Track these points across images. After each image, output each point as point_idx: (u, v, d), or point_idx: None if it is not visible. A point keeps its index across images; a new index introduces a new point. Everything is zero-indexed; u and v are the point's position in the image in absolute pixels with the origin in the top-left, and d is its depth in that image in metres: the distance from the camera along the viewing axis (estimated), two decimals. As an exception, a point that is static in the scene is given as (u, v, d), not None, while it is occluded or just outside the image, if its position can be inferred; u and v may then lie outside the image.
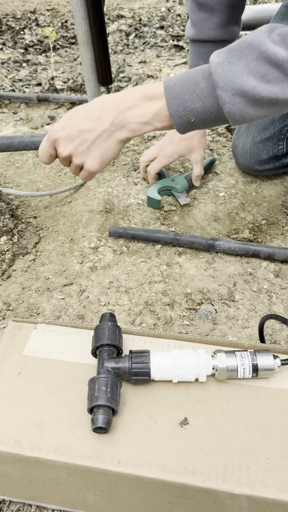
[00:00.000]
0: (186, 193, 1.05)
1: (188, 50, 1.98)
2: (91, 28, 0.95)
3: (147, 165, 1.07)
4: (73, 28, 2.28)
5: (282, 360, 0.51)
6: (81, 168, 0.71)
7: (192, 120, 0.63)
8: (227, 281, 0.85)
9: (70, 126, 0.67)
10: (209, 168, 1.14)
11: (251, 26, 2.15)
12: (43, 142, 0.70)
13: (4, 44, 2.13)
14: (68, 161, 0.70)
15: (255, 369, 0.50)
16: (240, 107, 0.60)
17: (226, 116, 0.62)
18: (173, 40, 2.12)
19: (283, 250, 0.86)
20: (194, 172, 1.05)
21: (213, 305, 0.80)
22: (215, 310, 0.79)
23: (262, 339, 0.63)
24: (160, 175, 1.10)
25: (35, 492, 0.52)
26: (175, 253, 0.91)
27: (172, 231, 0.96)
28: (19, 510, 0.55)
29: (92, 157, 0.68)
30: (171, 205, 1.03)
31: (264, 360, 0.50)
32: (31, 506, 0.55)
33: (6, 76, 1.78)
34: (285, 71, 0.57)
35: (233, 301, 0.81)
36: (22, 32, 2.23)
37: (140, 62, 1.91)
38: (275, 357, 0.50)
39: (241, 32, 2.08)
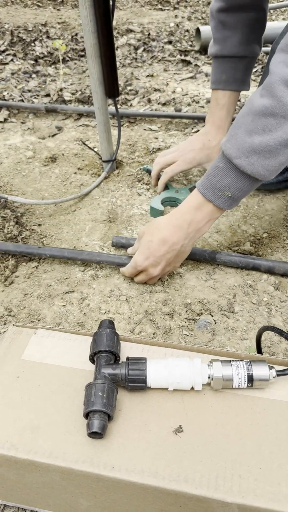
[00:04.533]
0: None
1: (195, 64, 2.02)
2: (100, 42, 0.97)
3: (161, 168, 1.10)
4: (82, 41, 2.32)
5: (277, 371, 0.51)
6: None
7: (229, 195, 0.74)
8: (227, 292, 0.85)
9: (152, 255, 0.80)
10: None
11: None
12: (131, 269, 0.84)
13: (15, 55, 2.17)
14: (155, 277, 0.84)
15: (250, 379, 0.50)
16: (259, 163, 0.68)
17: (253, 176, 0.70)
18: (180, 55, 2.15)
19: (283, 264, 0.86)
20: None
21: (212, 316, 0.81)
22: (214, 321, 0.80)
23: (259, 351, 0.64)
24: (165, 186, 1.11)
25: (29, 496, 0.52)
26: (176, 263, 0.92)
27: (174, 242, 0.97)
28: (13, 514, 0.55)
29: (177, 263, 0.84)
30: (174, 216, 1.04)
31: (260, 371, 0.50)
32: (25, 511, 0.56)
33: (15, 87, 1.81)
34: (277, 115, 0.64)
35: (232, 312, 0.82)
36: (33, 44, 2.28)
37: (148, 75, 1.94)
38: (270, 367, 0.51)
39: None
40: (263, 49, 2.05)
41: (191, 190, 1.08)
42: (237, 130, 0.70)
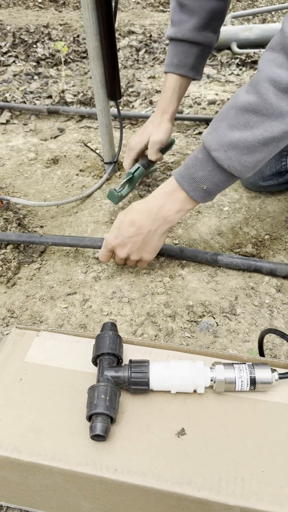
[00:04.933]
0: (130, 175, 1.06)
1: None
2: (102, 44, 0.98)
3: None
4: (84, 43, 2.33)
5: (280, 374, 0.51)
6: (136, 261, 0.86)
7: (204, 187, 0.74)
8: (229, 294, 0.85)
9: (121, 235, 0.81)
10: (167, 149, 1.16)
11: (259, 44, 2.20)
12: (102, 249, 0.85)
13: (16, 57, 2.18)
14: (124, 260, 0.86)
15: (253, 382, 0.50)
16: (236, 158, 0.68)
17: (229, 171, 0.71)
18: (182, 57, 2.15)
19: (284, 266, 0.86)
20: (149, 158, 1.09)
21: (214, 318, 0.81)
22: (216, 323, 0.80)
23: (261, 353, 0.64)
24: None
25: (32, 499, 0.52)
26: (178, 265, 0.92)
27: (176, 244, 0.97)
28: (15, 516, 0.56)
29: (145, 252, 0.83)
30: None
31: (262, 373, 0.50)
32: (27, 513, 0.56)
33: (17, 88, 1.82)
34: (260, 113, 0.65)
35: (234, 314, 0.82)
36: (34, 46, 2.29)
37: (149, 77, 1.94)
38: (273, 370, 0.51)
39: (250, 50, 2.12)
40: (263, 50, 2.05)
41: (139, 162, 1.08)
42: (219, 123, 0.70)
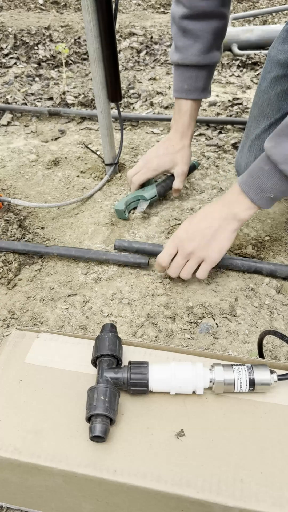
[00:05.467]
0: (147, 201, 1.07)
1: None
2: (103, 46, 0.98)
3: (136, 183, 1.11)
4: (85, 45, 2.33)
5: (279, 375, 0.51)
6: (198, 263, 0.83)
7: (271, 196, 0.78)
8: (229, 296, 0.85)
9: (191, 228, 0.83)
10: (190, 172, 1.16)
11: (260, 45, 2.20)
12: (167, 246, 0.84)
13: (18, 58, 2.18)
14: (186, 259, 0.83)
15: (252, 383, 0.50)
16: None
17: None
18: (183, 58, 2.15)
19: (285, 268, 0.87)
20: (173, 185, 1.09)
21: (214, 319, 0.81)
22: (216, 324, 0.80)
23: (261, 355, 0.64)
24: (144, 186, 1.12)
25: (32, 500, 0.52)
26: (178, 267, 0.92)
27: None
28: (16, 517, 0.56)
29: (212, 249, 0.82)
30: (176, 219, 1.05)
31: (261, 375, 0.51)
32: (28, 514, 0.56)
33: (19, 90, 1.82)
34: None
35: (234, 316, 0.82)
36: (36, 48, 2.29)
37: (150, 79, 1.94)
38: (272, 372, 0.51)
39: (250, 52, 2.12)
40: (264, 51, 2.05)
41: (157, 186, 1.09)
42: (282, 138, 0.74)
